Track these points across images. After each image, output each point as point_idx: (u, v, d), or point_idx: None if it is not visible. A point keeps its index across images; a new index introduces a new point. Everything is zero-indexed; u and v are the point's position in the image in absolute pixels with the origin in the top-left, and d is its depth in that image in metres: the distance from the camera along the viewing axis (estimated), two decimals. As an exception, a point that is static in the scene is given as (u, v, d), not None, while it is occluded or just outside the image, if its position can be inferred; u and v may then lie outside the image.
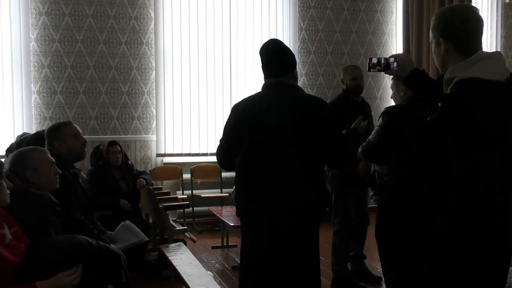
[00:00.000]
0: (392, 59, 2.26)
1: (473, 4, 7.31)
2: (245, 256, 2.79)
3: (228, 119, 2.74)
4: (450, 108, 1.93)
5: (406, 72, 2.23)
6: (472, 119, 1.91)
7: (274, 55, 2.72)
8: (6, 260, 2.29)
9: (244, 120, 2.64)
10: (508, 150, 2.00)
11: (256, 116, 2.62)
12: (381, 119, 3.26)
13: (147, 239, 4.13)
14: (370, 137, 3.31)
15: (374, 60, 2.29)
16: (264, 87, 2.74)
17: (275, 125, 2.60)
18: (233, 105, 2.79)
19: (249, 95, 2.81)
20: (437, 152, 1.99)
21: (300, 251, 2.65)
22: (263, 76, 2.78)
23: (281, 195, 2.59)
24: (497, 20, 7.86)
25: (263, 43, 2.80)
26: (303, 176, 2.63)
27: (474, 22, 2.04)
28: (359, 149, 3.33)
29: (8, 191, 2.39)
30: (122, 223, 3.86)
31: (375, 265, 4.66)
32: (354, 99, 4.17)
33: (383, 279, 4.33)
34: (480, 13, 2.12)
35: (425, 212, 2.08)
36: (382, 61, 2.28)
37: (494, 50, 7.74)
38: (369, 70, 2.32)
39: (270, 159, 2.61)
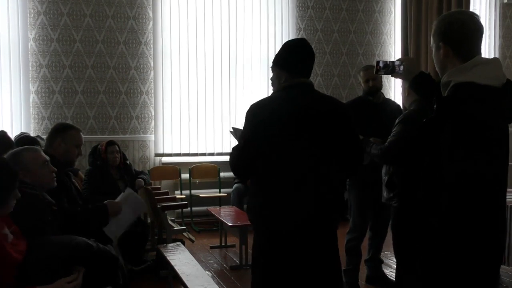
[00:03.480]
0: (398, 62, 2.28)
1: (471, 3, 7.32)
2: (261, 267, 2.63)
3: (250, 121, 2.52)
4: (445, 110, 1.98)
5: (412, 75, 2.23)
6: (465, 122, 1.95)
7: (310, 55, 2.61)
8: (12, 257, 2.29)
9: (270, 122, 2.46)
10: (500, 152, 2.04)
11: (284, 118, 2.47)
12: (401, 125, 3.24)
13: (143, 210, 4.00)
14: (390, 141, 3.24)
15: (381, 64, 2.32)
16: (299, 86, 2.58)
17: (303, 127, 2.48)
18: (252, 105, 2.56)
19: (267, 96, 2.63)
20: (431, 153, 2.01)
21: (324, 258, 2.56)
22: (279, 71, 2.61)
23: (301, 201, 2.46)
24: (495, 21, 7.86)
25: (279, 39, 2.67)
26: (326, 180, 2.53)
27: (473, 28, 2.08)
28: (376, 152, 3.28)
29: (14, 201, 2.37)
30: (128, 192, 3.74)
31: (390, 271, 4.64)
32: (371, 100, 4.08)
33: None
34: (480, 18, 2.15)
35: (420, 212, 2.10)
36: (389, 64, 2.31)
37: (492, 50, 7.76)
38: (376, 72, 2.35)
39: (293, 163, 2.46)
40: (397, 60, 2.29)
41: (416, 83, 2.24)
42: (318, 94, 2.66)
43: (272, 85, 2.71)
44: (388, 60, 2.36)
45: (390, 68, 2.30)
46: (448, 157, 1.97)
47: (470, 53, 2.05)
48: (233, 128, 2.85)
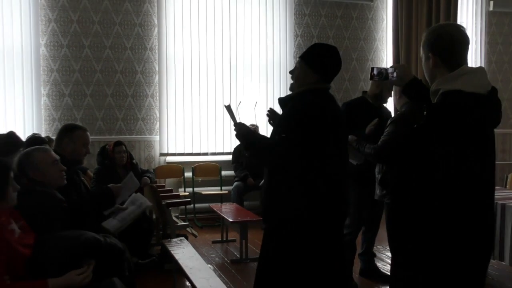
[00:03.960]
0: (391, 69, 2.27)
1: (459, 11, 7.32)
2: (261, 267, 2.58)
3: (313, 122, 2.41)
4: (434, 117, 2.00)
5: (404, 82, 2.23)
6: (454, 127, 1.98)
7: (340, 66, 2.59)
8: (19, 253, 2.28)
9: (330, 123, 2.45)
10: (488, 153, 2.07)
11: (339, 120, 2.50)
12: (394, 125, 3.23)
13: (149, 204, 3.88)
14: (383, 140, 3.24)
15: (375, 71, 2.31)
16: (326, 91, 2.56)
17: (344, 129, 2.54)
18: (312, 110, 2.44)
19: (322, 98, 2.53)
20: (422, 157, 2.02)
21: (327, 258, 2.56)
22: (310, 72, 2.51)
23: (338, 199, 2.47)
24: (481, 28, 7.86)
25: (317, 45, 2.60)
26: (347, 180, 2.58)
27: (460, 40, 2.10)
28: (369, 151, 3.28)
29: (15, 194, 2.34)
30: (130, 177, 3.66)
31: (382, 264, 4.64)
32: (371, 103, 3.95)
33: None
34: (467, 29, 2.19)
35: (413, 210, 2.10)
36: (382, 71, 2.30)
37: (478, 55, 7.75)
38: (371, 79, 2.35)
39: (338, 164, 2.48)
40: (390, 67, 2.29)
41: (408, 89, 2.23)
42: None
43: (293, 78, 2.60)
44: (382, 67, 2.35)
45: (384, 75, 2.29)
46: (439, 160, 1.99)
47: (458, 63, 2.07)
48: (229, 105, 2.68)
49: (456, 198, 1.99)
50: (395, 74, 2.25)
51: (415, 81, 2.21)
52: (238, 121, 2.62)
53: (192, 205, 6.49)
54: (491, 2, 7.85)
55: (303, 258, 2.45)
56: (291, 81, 2.63)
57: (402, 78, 2.23)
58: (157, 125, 6.75)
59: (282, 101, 2.63)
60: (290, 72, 2.63)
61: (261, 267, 2.61)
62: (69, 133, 3.38)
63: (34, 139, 4.11)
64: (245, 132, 2.55)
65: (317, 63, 2.51)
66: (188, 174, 6.77)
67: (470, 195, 1.99)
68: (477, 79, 2.04)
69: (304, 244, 2.44)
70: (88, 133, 3.49)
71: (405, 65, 6.35)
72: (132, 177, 3.68)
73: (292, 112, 2.48)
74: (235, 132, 2.59)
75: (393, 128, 3.25)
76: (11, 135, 3.85)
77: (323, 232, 2.46)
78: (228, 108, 2.69)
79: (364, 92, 4.07)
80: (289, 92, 2.67)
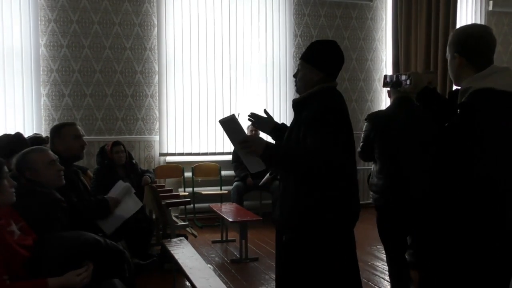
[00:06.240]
0: (404, 77, 2.30)
1: (458, 11, 7.31)
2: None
3: (341, 123, 2.31)
4: (468, 114, 1.96)
5: (418, 89, 2.25)
6: (486, 125, 1.94)
7: (343, 60, 2.51)
8: (18, 254, 2.28)
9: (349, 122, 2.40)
10: None
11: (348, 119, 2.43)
12: (366, 124, 3.43)
13: (141, 204, 3.95)
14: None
15: (388, 78, 2.34)
16: (335, 89, 2.45)
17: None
18: (337, 109, 2.33)
19: (337, 98, 2.42)
20: (454, 155, 1.98)
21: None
22: (316, 72, 2.40)
23: (355, 196, 2.43)
24: (480, 27, 7.85)
25: (331, 41, 2.53)
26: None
27: (489, 41, 2.10)
28: None
29: (12, 190, 2.34)
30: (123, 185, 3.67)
31: (382, 264, 4.63)
32: None
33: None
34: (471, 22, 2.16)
35: (438, 212, 2.05)
36: (395, 78, 2.33)
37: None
38: (384, 86, 2.37)
39: (354, 163, 2.43)
40: (404, 74, 2.31)
41: (422, 96, 2.25)
42: None
43: (298, 81, 2.48)
44: (394, 74, 2.39)
45: (396, 82, 2.32)
46: (469, 159, 1.94)
47: (484, 63, 2.06)
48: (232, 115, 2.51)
49: (484, 200, 1.91)
50: (408, 82, 2.28)
51: (428, 88, 2.25)
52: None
53: (192, 205, 6.48)
54: (491, 2, 7.85)
55: (333, 261, 2.35)
56: (295, 84, 2.56)
57: (417, 85, 2.26)
58: (157, 125, 6.74)
59: (297, 103, 2.46)
60: (294, 76, 2.54)
61: (289, 274, 2.48)
62: (57, 133, 3.41)
63: (35, 139, 4.13)
64: (270, 147, 2.30)
65: (319, 60, 2.42)
66: (188, 174, 6.76)
67: (499, 197, 1.92)
68: (507, 77, 2.02)
69: (333, 246, 2.34)
70: (77, 126, 3.49)
71: (420, 72, 6.34)
72: (121, 184, 3.68)
73: (320, 113, 2.27)
74: (255, 150, 2.29)
75: (365, 128, 3.45)
76: (20, 136, 3.88)
77: (347, 233, 2.40)
78: (228, 122, 2.38)
79: None
80: (294, 93, 2.62)
